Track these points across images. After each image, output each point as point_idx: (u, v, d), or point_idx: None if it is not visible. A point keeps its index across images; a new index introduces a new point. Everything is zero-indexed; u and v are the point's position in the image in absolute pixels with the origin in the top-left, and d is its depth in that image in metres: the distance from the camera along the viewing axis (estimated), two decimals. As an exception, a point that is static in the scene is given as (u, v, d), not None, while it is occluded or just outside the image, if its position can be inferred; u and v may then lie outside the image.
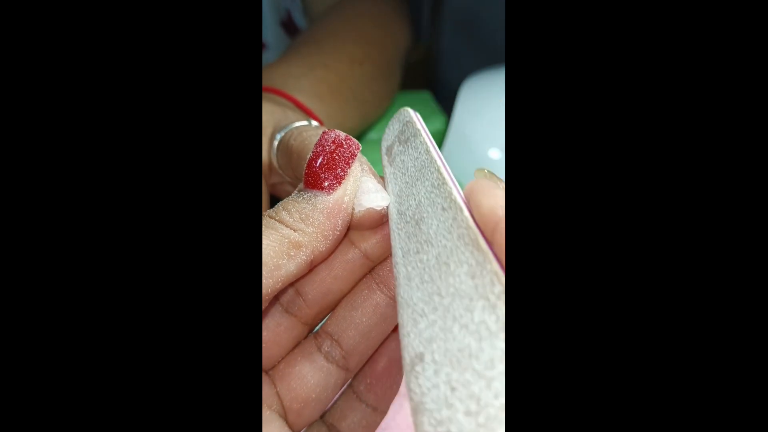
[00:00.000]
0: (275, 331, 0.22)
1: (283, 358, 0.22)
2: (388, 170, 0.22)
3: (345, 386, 0.23)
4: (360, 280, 0.22)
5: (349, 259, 0.21)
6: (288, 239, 0.19)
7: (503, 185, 0.17)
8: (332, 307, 0.22)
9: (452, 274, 0.16)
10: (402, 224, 0.20)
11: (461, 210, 0.17)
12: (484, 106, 0.52)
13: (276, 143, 0.32)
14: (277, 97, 0.41)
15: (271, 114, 0.35)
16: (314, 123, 0.33)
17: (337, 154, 0.20)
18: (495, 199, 0.16)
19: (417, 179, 0.20)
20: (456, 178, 0.49)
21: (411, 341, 0.16)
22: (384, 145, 0.23)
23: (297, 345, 0.22)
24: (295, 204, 0.20)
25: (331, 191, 0.20)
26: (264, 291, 0.19)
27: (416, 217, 0.19)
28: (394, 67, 0.55)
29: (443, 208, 0.18)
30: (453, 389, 0.14)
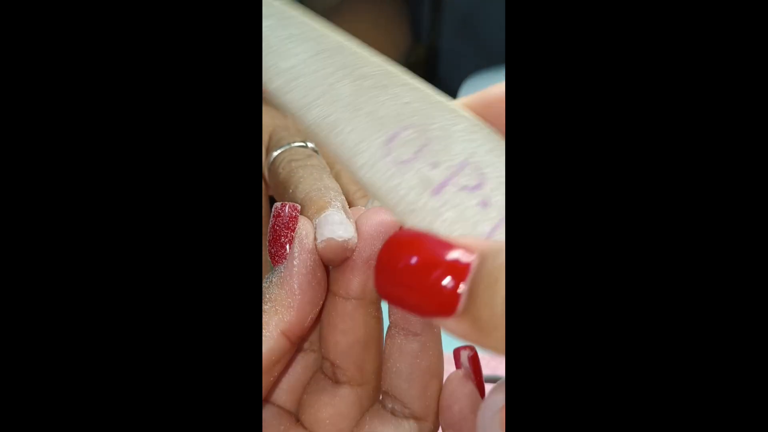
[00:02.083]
0: (338, 405, 0.22)
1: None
2: None
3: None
4: (373, 323, 0.22)
5: (344, 310, 0.21)
6: None
7: None
8: (367, 361, 0.22)
9: None
10: None
11: None
12: (484, 106, 0.51)
13: (270, 161, 0.32)
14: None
15: (271, 118, 0.35)
16: (310, 144, 0.33)
17: (277, 225, 0.21)
18: None
19: None
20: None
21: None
22: None
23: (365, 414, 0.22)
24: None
25: (282, 260, 0.21)
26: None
27: None
28: None
29: None
30: None
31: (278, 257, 0.21)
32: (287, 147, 0.32)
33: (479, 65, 0.58)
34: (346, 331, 0.22)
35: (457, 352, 0.21)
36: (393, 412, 0.22)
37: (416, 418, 0.22)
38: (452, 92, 0.55)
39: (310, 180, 0.27)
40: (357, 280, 0.21)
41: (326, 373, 0.22)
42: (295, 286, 0.21)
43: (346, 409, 0.22)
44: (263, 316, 0.20)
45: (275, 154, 0.32)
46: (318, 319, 0.22)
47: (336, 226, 0.21)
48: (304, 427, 0.22)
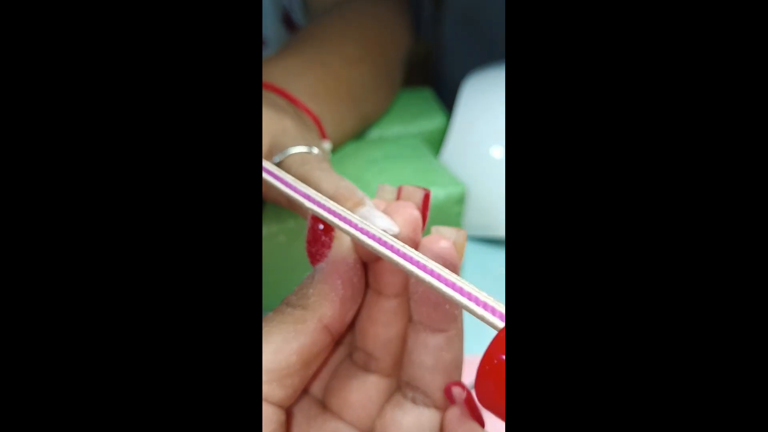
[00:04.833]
0: (369, 391, 0.22)
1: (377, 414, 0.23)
2: None
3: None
4: (407, 318, 0.23)
5: (388, 307, 0.22)
6: (291, 317, 0.20)
7: None
8: (399, 353, 0.23)
9: None
10: None
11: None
12: (486, 103, 0.51)
13: (274, 163, 0.32)
14: (275, 97, 0.40)
15: (269, 120, 0.35)
16: (314, 150, 0.33)
17: (316, 225, 0.22)
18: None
19: None
20: (458, 176, 0.50)
21: None
22: None
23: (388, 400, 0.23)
24: (300, 287, 0.22)
25: (322, 259, 0.22)
26: (283, 369, 0.20)
27: None
28: (394, 67, 0.54)
29: None
30: None
31: (319, 256, 0.22)
32: (291, 152, 0.32)
33: (481, 60, 0.58)
34: (388, 324, 0.22)
35: (448, 389, 0.22)
36: (414, 401, 0.22)
37: (437, 407, 0.22)
38: (454, 89, 0.54)
39: (333, 178, 0.28)
40: (400, 279, 0.22)
41: (357, 362, 0.23)
42: (339, 282, 0.21)
43: (376, 395, 0.23)
44: (305, 311, 0.21)
45: (280, 157, 0.32)
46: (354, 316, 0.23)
47: (384, 220, 0.22)
48: (332, 412, 0.22)
